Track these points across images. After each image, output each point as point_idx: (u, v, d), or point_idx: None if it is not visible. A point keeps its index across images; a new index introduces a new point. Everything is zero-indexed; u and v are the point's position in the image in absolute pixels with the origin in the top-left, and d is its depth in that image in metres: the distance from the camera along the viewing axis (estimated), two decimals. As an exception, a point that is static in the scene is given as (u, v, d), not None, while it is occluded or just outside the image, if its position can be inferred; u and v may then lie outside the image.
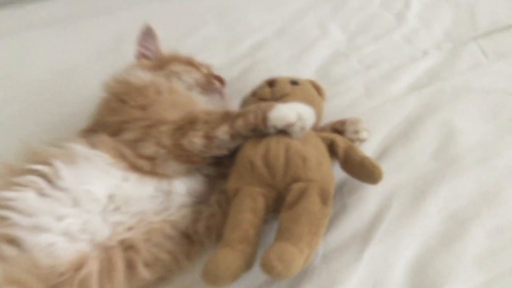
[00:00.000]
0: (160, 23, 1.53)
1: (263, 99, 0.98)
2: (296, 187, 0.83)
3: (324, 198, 0.82)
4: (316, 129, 1.01)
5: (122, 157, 0.87)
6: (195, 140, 0.87)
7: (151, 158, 0.88)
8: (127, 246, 0.83)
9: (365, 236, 0.88)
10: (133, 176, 0.87)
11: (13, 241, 0.76)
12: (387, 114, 1.12)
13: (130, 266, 0.82)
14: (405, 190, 0.94)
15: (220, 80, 1.13)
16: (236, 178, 0.88)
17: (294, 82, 1.01)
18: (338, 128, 1.01)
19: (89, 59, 1.49)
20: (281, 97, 0.97)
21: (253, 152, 0.87)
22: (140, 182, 0.87)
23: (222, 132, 0.88)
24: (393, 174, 0.97)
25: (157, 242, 0.85)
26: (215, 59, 1.38)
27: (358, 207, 0.93)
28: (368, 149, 1.02)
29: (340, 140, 0.93)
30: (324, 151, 0.90)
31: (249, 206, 0.82)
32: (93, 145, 0.89)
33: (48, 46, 1.61)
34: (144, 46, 1.16)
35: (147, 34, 1.16)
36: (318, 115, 1.01)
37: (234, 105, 1.14)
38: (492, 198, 0.91)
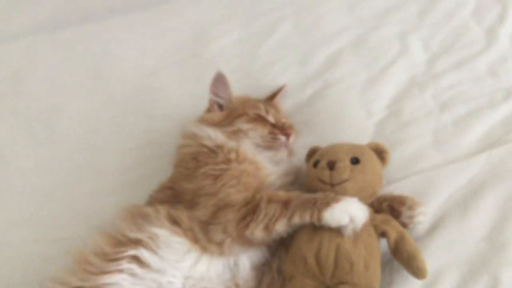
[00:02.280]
0: (240, 19, 1.55)
1: (322, 181, 1.04)
2: (342, 289, 0.95)
3: (368, 300, 0.94)
4: (375, 198, 1.07)
5: (196, 241, 1.02)
6: (256, 233, 0.99)
7: (219, 244, 1.01)
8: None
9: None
10: (205, 258, 1.02)
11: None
12: (451, 176, 1.12)
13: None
14: (450, 276, 1.00)
15: (286, 134, 1.19)
16: (291, 264, 1.01)
17: (355, 160, 1.05)
18: (396, 207, 1.04)
19: (169, 59, 1.57)
20: (339, 184, 1.03)
21: (307, 248, 0.98)
22: (210, 262, 1.03)
23: (280, 225, 0.99)
24: (442, 253, 1.03)
25: None
26: (288, 73, 1.44)
27: (403, 285, 1.01)
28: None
29: (391, 230, 0.99)
30: (373, 247, 0.97)
31: (301, 297, 0.97)
32: (173, 223, 1.03)
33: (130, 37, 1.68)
34: (217, 94, 1.23)
35: (220, 82, 1.22)
36: (379, 187, 1.08)
37: (299, 152, 1.22)
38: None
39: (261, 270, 1.09)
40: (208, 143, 1.14)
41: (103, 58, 1.63)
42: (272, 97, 1.36)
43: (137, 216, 1.08)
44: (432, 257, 1.01)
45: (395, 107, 1.29)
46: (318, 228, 0.99)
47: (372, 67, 1.38)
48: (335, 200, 0.97)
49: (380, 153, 1.11)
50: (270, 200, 1.02)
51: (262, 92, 1.37)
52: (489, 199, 1.08)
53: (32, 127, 1.52)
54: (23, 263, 1.26)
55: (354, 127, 1.28)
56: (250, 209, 1.01)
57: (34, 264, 1.25)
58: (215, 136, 1.16)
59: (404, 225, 1.04)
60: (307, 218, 0.98)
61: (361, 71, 1.37)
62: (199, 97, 1.33)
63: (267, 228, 0.99)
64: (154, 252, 1.01)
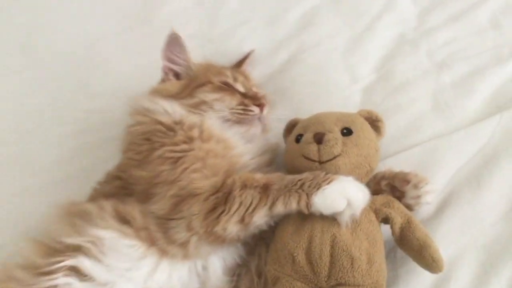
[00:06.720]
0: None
1: (308, 158, 0.86)
2: (342, 294, 0.78)
3: (374, 304, 0.77)
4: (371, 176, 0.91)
5: (152, 243, 0.84)
6: (229, 227, 0.81)
7: (182, 244, 0.83)
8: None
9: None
10: (165, 263, 0.85)
11: None
12: (457, 146, 1.00)
13: None
14: (467, 266, 0.88)
15: (260, 104, 1.01)
16: (275, 264, 0.83)
17: (346, 131, 0.88)
18: (397, 187, 0.88)
19: (112, 28, 1.38)
20: (329, 160, 0.85)
21: (294, 242, 0.81)
22: (172, 268, 0.85)
23: (259, 216, 0.82)
24: (455, 237, 0.93)
25: None
26: (256, 37, 1.29)
27: (411, 280, 0.88)
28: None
29: (396, 214, 0.83)
30: (376, 237, 0.81)
31: (289, 304, 0.80)
32: (122, 222, 0.85)
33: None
34: (171, 60, 1.06)
35: (174, 44, 1.05)
36: (376, 162, 0.91)
37: (274, 126, 1.07)
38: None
39: (237, 273, 0.92)
40: (164, 119, 0.96)
41: (33, 29, 1.40)
42: (238, 64, 1.20)
43: (76, 216, 0.89)
44: (442, 243, 0.86)
45: (384, 69, 1.16)
46: (307, 217, 0.84)
47: (355, 24, 1.25)
48: (327, 180, 0.81)
49: (374, 122, 0.95)
50: (245, 185, 0.84)
51: (226, 60, 1.20)
52: (504, 170, 0.96)
53: None
54: None
55: (337, 95, 1.15)
56: (221, 198, 0.84)
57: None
58: (172, 110, 0.98)
59: (409, 207, 0.88)
60: (293, 205, 0.81)
61: (342, 29, 1.25)
62: (149, 71, 1.11)
63: (243, 220, 0.82)
64: (98, 260, 0.82)
